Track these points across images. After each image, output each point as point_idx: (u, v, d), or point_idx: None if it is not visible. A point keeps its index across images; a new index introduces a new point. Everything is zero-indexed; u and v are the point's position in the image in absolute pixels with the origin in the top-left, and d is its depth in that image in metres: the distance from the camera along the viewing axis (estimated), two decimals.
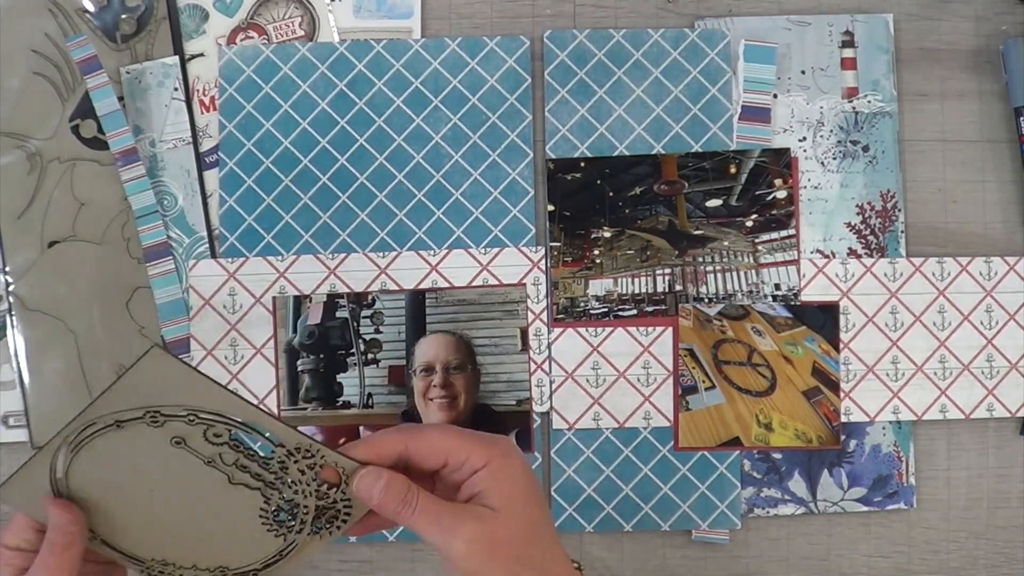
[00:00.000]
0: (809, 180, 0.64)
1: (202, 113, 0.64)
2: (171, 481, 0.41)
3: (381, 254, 0.63)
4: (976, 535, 0.64)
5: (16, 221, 0.63)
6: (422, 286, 0.62)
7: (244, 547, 0.42)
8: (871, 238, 0.64)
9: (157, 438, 0.39)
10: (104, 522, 0.42)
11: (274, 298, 0.62)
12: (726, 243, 0.63)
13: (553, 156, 0.63)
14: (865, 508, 0.63)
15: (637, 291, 0.63)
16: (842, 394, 0.63)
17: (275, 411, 0.61)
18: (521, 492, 0.42)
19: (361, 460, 0.42)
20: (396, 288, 0.62)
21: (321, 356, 0.62)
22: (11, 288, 0.62)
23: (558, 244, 0.63)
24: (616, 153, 0.64)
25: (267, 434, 0.40)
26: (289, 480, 0.41)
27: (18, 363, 0.62)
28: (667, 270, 0.63)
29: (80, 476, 0.40)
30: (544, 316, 0.63)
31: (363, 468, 0.41)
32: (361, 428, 0.62)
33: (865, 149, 0.64)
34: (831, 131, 0.64)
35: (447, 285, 0.62)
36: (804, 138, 0.64)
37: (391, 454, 0.42)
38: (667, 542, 0.63)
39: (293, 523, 0.42)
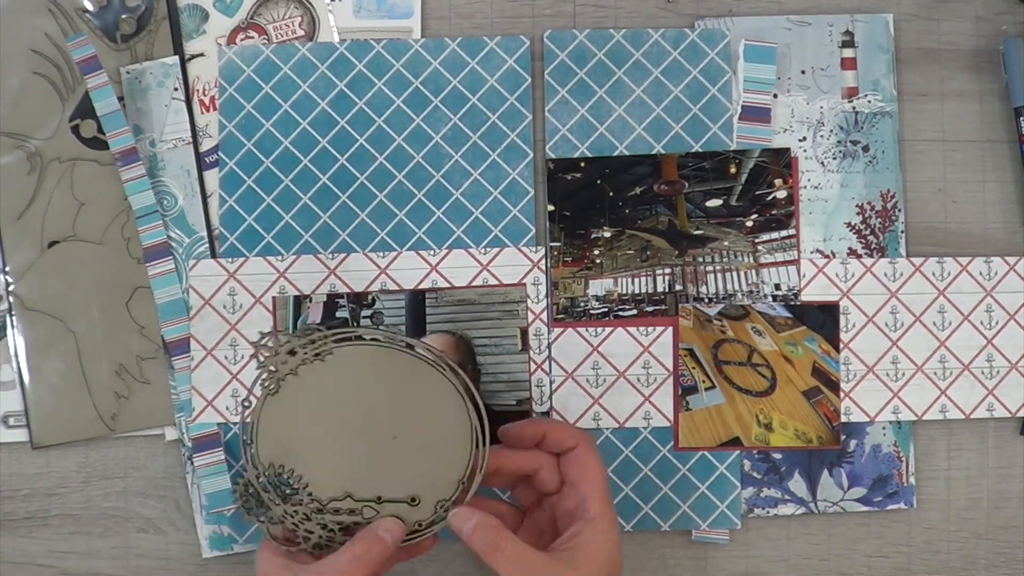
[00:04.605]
0: (809, 180, 0.64)
1: (202, 113, 0.64)
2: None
3: (381, 254, 0.63)
4: (976, 535, 0.64)
5: (16, 221, 0.63)
6: (422, 286, 0.62)
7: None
8: (871, 238, 0.64)
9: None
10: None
11: (274, 298, 0.62)
12: (726, 243, 0.63)
13: (553, 156, 0.63)
14: (865, 508, 0.63)
15: (637, 291, 0.63)
16: (842, 394, 0.63)
17: None
18: (607, 555, 0.47)
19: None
20: (396, 288, 0.62)
21: None
22: (11, 288, 0.62)
23: (558, 244, 0.63)
24: (616, 153, 0.64)
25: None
26: None
27: (18, 363, 0.62)
28: (667, 270, 0.63)
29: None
30: (544, 316, 0.63)
31: (458, 507, 0.47)
32: None
33: (865, 149, 0.64)
34: (831, 131, 0.64)
35: (447, 285, 0.62)
36: (804, 138, 0.64)
37: (535, 435, 0.51)
38: (667, 542, 0.63)
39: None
